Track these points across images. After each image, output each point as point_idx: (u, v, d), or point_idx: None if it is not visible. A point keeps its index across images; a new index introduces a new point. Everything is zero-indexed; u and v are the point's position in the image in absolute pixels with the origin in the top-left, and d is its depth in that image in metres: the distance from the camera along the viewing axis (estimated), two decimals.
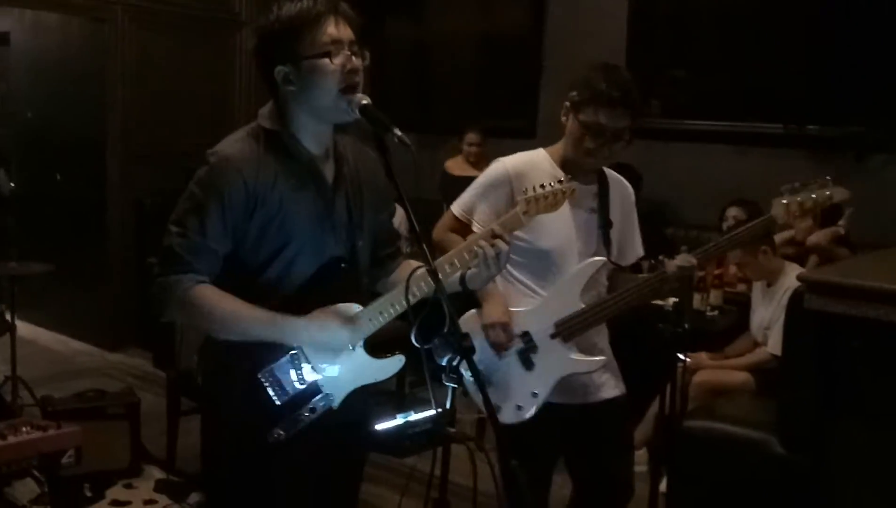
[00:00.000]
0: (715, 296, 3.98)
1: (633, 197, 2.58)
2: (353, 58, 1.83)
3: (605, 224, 2.45)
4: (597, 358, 2.41)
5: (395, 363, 1.91)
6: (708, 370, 3.84)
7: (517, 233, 2.16)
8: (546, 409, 2.37)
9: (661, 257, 2.42)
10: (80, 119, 5.84)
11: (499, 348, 2.36)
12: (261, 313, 1.79)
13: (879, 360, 2.41)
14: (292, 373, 1.82)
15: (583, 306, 2.37)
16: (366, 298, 1.92)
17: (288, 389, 1.82)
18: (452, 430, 1.69)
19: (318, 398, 1.84)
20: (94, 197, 5.75)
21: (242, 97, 6.05)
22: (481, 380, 1.65)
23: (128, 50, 5.64)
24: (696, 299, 3.94)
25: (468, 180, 2.61)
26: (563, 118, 2.40)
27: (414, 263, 2.03)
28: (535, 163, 2.42)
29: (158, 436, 3.94)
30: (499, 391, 2.35)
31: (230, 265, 1.84)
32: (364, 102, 1.83)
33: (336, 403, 1.86)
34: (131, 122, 5.67)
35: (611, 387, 2.50)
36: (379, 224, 2.03)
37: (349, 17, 1.85)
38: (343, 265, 1.90)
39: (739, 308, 3.98)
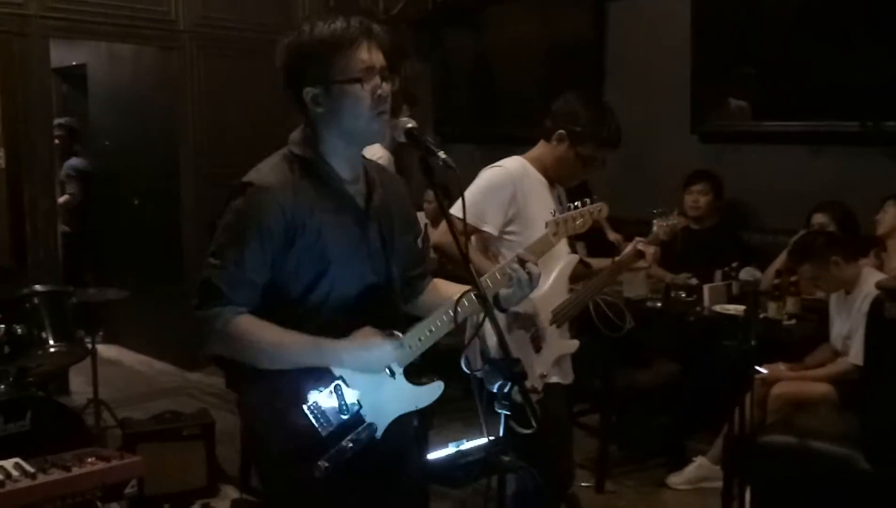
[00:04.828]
0: (792, 304, 3.83)
1: None
2: (384, 84, 1.82)
3: None
4: (574, 341, 2.83)
5: (435, 389, 1.91)
6: (787, 381, 3.69)
7: (512, 228, 2.66)
8: (550, 387, 2.71)
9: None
10: (154, 145, 6.02)
11: (538, 340, 2.64)
12: (303, 339, 1.79)
13: None
14: (335, 403, 1.81)
15: (567, 295, 2.78)
16: (403, 322, 1.93)
17: (332, 420, 1.80)
18: (506, 458, 1.65)
19: (360, 428, 1.82)
20: (170, 220, 5.92)
21: None
22: (533, 406, 1.62)
23: (197, 77, 5.79)
24: (772, 308, 3.79)
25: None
26: (555, 142, 2.76)
27: (442, 282, 2.09)
28: (525, 169, 2.77)
29: (236, 455, 4.01)
30: None
31: (269, 295, 1.83)
32: (409, 125, 1.85)
33: (379, 432, 1.85)
34: (203, 146, 5.82)
35: (571, 373, 2.88)
36: (407, 246, 2.03)
37: (381, 41, 1.84)
38: (380, 291, 1.90)
39: (818, 316, 3.82)
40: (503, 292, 1.95)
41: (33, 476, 1.86)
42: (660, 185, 4.89)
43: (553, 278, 2.72)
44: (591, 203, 2.37)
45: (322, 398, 1.80)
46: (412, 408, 1.90)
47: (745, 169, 4.88)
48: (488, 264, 2.48)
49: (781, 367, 3.78)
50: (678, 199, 4.62)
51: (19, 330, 3.63)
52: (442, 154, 1.77)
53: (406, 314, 2.00)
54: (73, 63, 6.70)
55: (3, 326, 3.61)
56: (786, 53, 4.73)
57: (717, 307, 3.97)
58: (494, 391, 1.67)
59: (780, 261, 4.19)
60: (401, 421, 1.90)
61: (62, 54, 6.22)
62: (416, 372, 1.88)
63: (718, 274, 4.23)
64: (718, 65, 4.97)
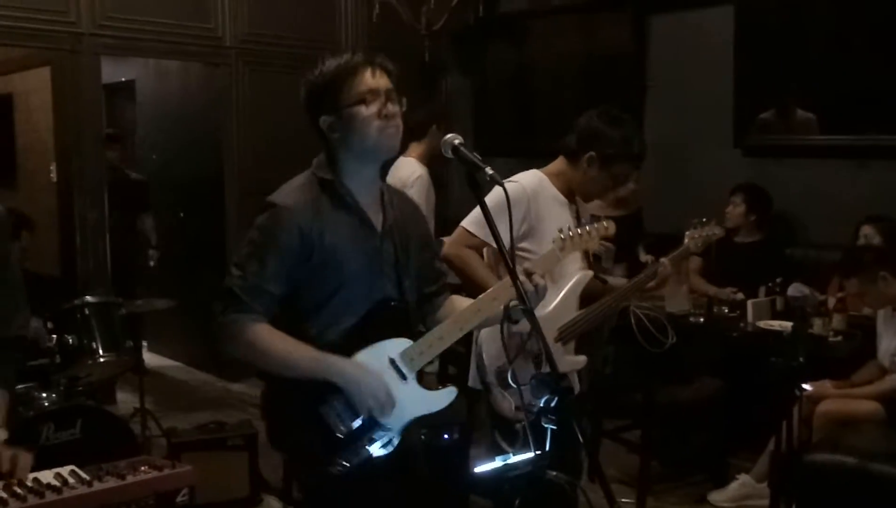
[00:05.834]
0: (838, 320, 3.77)
1: None
2: (389, 104, 1.96)
3: None
4: (581, 357, 2.71)
5: (447, 394, 2.02)
6: (833, 398, 3.63)
7: (525, 245, 2.58)
8: None
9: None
10: (199, 159, 6.13)
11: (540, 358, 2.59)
12: (309, 352, 1.91)
13: None
14: (352, 406, 1.91)
15: (576, 313, 2.68)
16: (415, 334, 2.02)
17: (348, 422, 1.91)
18: (553, 473, 1.66)
19: (377, 429, 1.92)
20: (215, 232, 6.01)
21: None
22: (580, 422, 1.64)
23: (242, 91, 5.89)
24: (818, 325, 3.74)
25: None
26: (585, 165, 2.71)
27: (458, 298, 2.19)
28: (541, 185, 2.72)
29: (278, 465, 4.05)
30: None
31: (289, 306, 1.97)
32: (457, 141, 1.92)
33: (395, 435, 1.95)
34: (247, 160, 5.90)
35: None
36: (423, 263, 2.15)
37: (386, 68, 2.01)
38: (393, 303, 2.02)
39: (865, 332, 3.76)
40: (512, 303, 1.98)
41: (89, 484, 1.92)
42: (702, 199, 4.85)
43: (562, 295, 2.67)
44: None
45: (339, 401, 1.90)
46: (425, 412, 2.00)
47: (789, 183, 4.83)
48: (494, 279, 2.47)
49: (827, 384, 3.73)
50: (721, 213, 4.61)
51: (70, 340, 3.73)
52: (489, 169, 1.84)
53: (421, 328, 2.07)
54: (122, 79, 6.87)
55: (54, 336, 3.71)
56: (829, 67, 4.68)
57: (761, 323, 3.93)
58: (541, 405, 1.69)
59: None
60: (416, 424, 1.99)
61: (111, 70, 6.36)
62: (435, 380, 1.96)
63: (762, 290, 4.19)
64: (761, 78, 4.94)
